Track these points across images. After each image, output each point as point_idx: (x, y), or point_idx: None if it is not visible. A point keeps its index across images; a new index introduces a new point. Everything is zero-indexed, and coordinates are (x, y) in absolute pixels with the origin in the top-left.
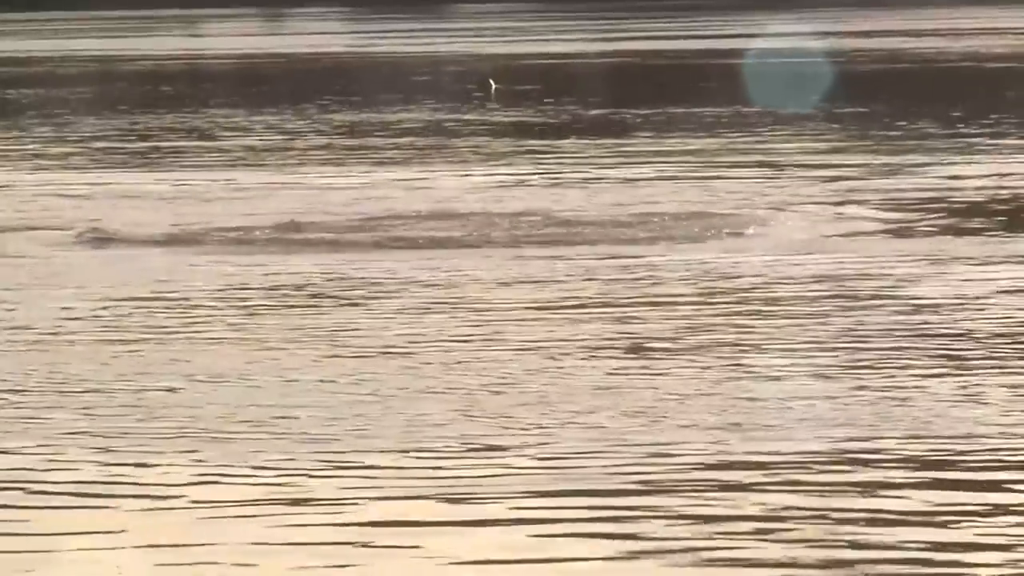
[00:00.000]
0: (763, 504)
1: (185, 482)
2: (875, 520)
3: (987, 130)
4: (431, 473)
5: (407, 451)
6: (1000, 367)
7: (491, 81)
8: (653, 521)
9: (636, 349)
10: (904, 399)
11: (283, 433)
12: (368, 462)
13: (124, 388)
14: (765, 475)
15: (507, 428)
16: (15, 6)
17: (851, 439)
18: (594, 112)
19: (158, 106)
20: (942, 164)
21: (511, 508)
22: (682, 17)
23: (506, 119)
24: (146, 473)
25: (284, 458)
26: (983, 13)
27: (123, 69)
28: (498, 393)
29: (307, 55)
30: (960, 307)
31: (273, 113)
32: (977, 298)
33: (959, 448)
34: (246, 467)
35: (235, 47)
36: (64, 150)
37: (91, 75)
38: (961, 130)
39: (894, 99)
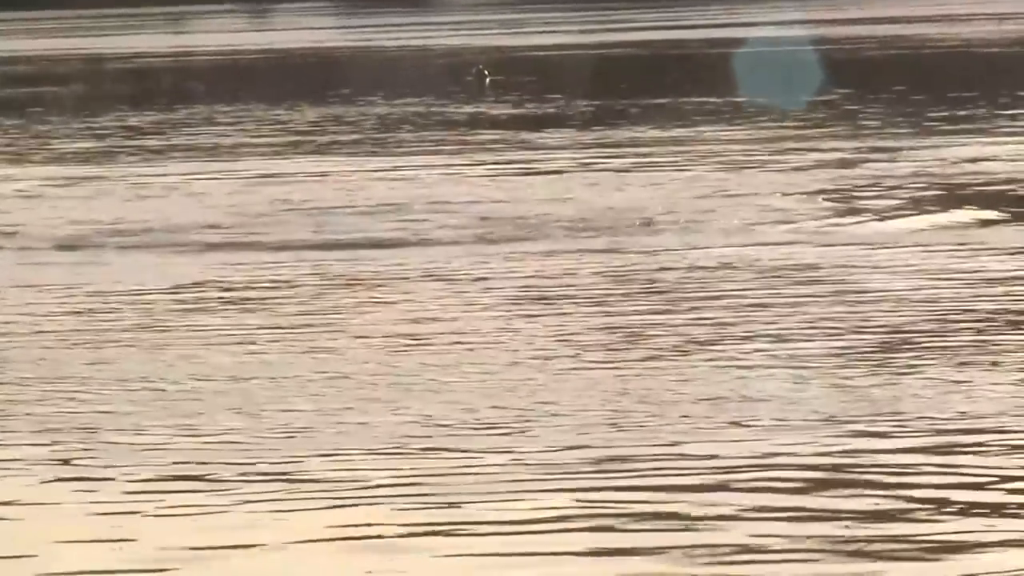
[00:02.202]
0: None
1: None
2: None
3: (976, 112)
4: None
5: None
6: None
7: (485, 72)
8: None
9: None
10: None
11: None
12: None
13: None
14: None
15: None
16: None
17: None
18: (581, 103)
19: (135, 104)
20: (937, 147)
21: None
22: (673, 7)
23: (501, 111)
24: None
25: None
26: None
27: (111, 67)
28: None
29: (300, 50)
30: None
31: (246, 110)
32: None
33: None
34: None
35: (224, 43)
36: None
37: (77, 74)
38: (954, 114)
39: (890, 84)
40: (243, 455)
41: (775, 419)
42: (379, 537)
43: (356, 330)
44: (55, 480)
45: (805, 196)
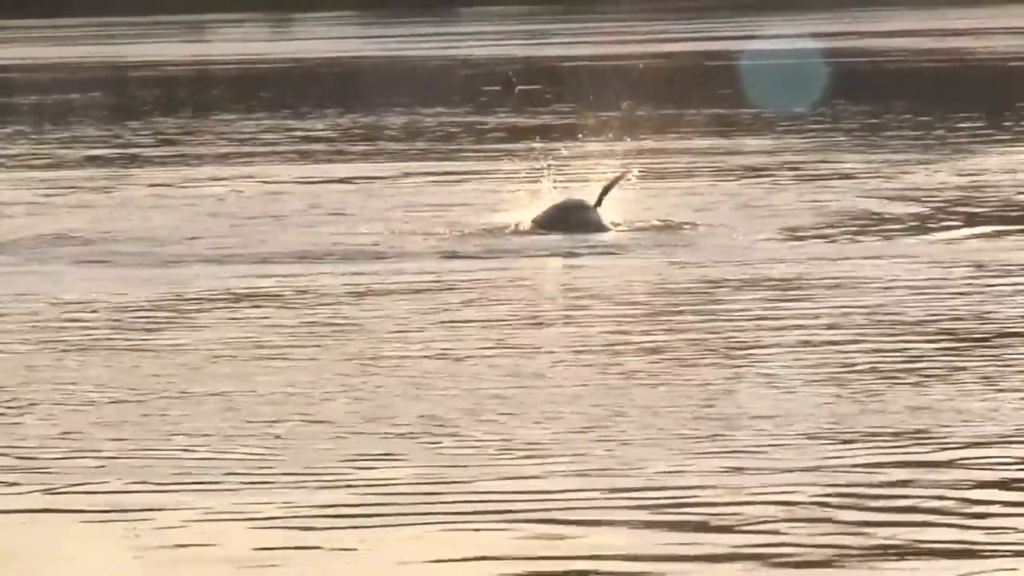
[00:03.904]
0: None
1: None
2: None
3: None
4: None
5: None
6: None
7: (513, 79)
8: None
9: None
10: None
11: None
12: None
13: None
14: None
15: None
16: (29, 12)
17: None
18: (609, 113)
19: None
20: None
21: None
22: (698, 19)
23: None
24: None
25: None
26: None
27: (132, 75)
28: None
29: (325, 60)
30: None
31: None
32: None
33: None
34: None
35: (246, 52)
36: None
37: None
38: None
39: (917, 96)
40: None
41: None
42: None
43: None
44: None
45: (830, 208)
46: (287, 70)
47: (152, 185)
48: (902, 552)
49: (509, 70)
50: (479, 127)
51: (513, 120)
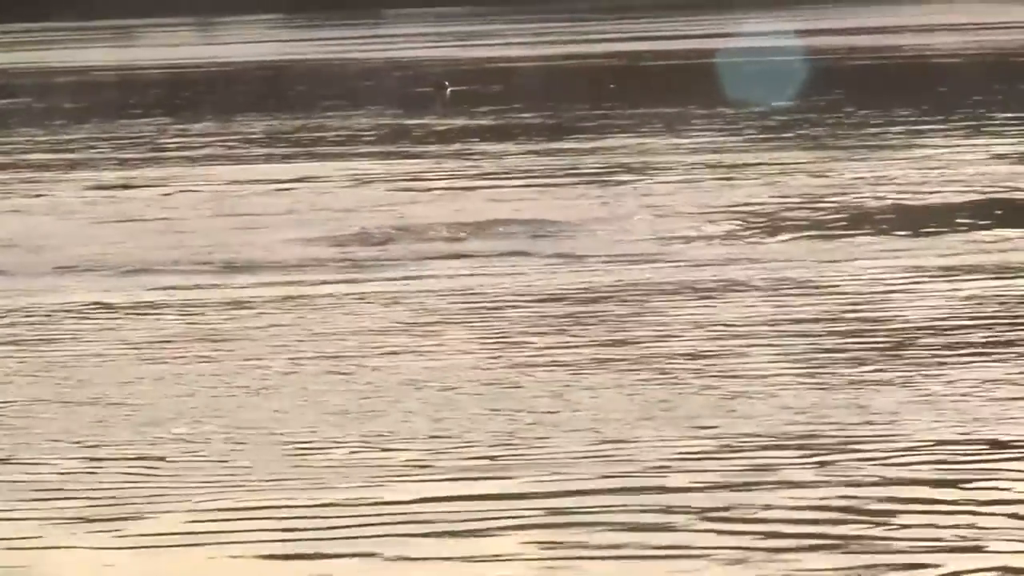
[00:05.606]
0: None
1: None
2: None
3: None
4: None
5: None
6: None
7: (445, 83)
8: None
9: None
10: None
11: None
12: None
13: None
14: None
15: None
16: None
17: None
18: (541, 115)
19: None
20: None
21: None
22: (640, 19)
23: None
24: None
25: None
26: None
27: (60, 81)
28: None
29: (256, 63)
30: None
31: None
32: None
33: None
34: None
35: (176, 57)
36: None
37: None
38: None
39: (875, 93)
40: None
41: None
42: None
43: None
44: None
45: (758, 205)
46: (216, 74)
47: (76, 191)
48: (816, 546)
49: (439, 74)
50: (404, 129)
51: (439, 122)
